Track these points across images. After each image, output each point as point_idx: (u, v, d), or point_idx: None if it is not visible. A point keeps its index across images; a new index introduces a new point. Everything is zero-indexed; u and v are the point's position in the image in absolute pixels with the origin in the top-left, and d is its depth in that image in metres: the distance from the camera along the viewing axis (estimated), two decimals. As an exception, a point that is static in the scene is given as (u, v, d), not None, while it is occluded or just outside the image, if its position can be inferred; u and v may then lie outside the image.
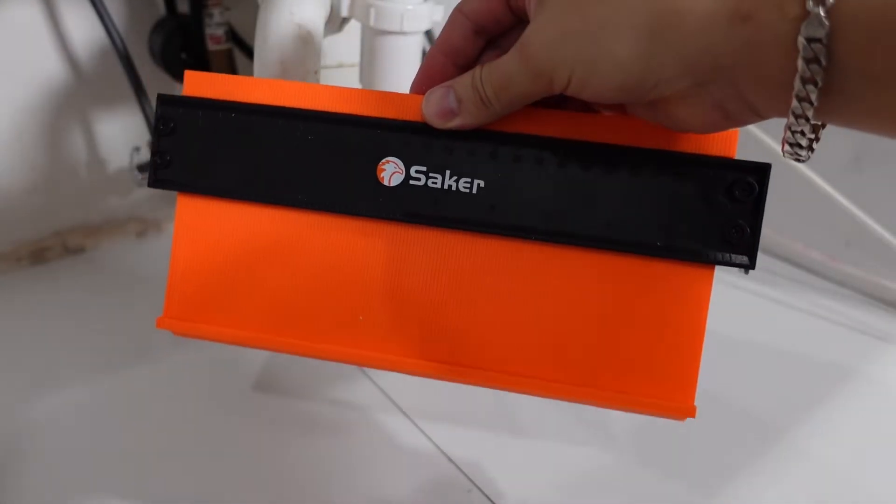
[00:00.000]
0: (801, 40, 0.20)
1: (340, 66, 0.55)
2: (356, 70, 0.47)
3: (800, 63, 0.20)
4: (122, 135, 0.64)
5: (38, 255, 0.64)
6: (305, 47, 0.40)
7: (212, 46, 0.54)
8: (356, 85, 0.47)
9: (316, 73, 0.41)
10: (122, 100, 0.61)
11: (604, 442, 0.44)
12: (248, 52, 0.61)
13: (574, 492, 0.40)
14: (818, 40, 0.20)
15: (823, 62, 0.20)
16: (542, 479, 0.41)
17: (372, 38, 0.44)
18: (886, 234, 0.56)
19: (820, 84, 0.21)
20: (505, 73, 0.27)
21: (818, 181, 0.58)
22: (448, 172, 0.28)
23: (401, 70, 0.45)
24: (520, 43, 0.26)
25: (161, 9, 0.58)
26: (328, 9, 0.43)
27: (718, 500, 0.40)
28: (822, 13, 0.20)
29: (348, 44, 0.52)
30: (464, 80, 0.28)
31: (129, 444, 0.43)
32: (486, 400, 0.46)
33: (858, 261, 0.61)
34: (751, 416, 0.47)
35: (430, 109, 0.28)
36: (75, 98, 0.60)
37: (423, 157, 0.28)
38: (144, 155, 0.55)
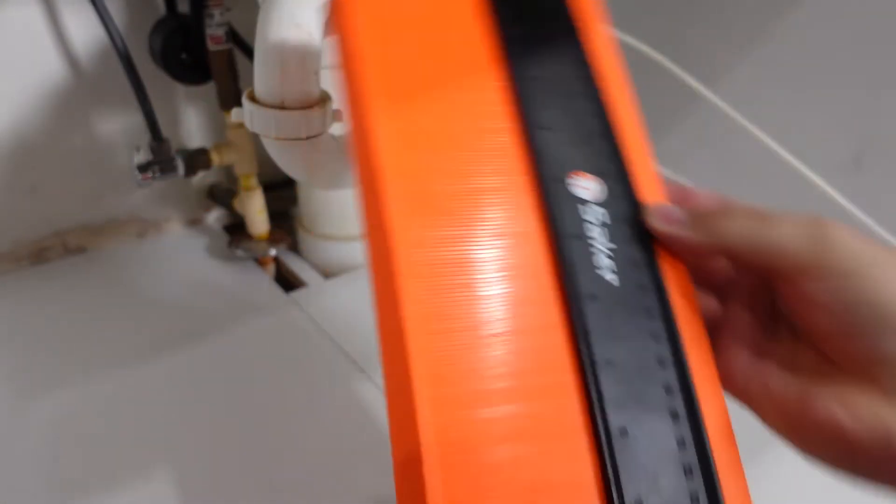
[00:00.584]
0: None
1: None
2: (356, 70, 0.46)
3: None
4: (122, 135, 0.64)
5: (38, 255, 0.64)
6: (306, 47, 0.40)
7: (212, 47, 0.54)
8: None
9: (316, 73, 0.41)
10: (122, 100, 0.61)
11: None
12: (249, 53, 0.61)
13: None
14: None
15: None
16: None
17: (372, 39, 0.43)
18: (887, 235, 0.56)
19: None
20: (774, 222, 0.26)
21: (817, 181, 0.58)
22: (607, 241, 0.26)
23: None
24: (818, 225, 0.25)
25: (161, 9, 0.58)
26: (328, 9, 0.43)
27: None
28: None
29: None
30: None
31: (129, 443, 0.43)
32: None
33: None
34: (750, 416, 0.47)
35: (657, 207, 0.27)
36: (75, 98, 0.60)
37: (612, 213, 0.26)
38: (145, 155, 0.55)
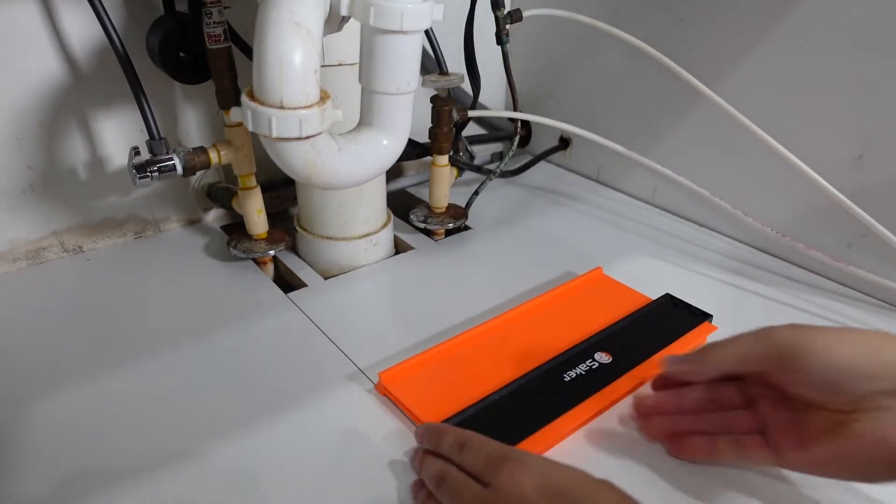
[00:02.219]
0: None
1: (340, 65, 0.55)
2: (356, 69, 0.46)
3: None
4: (121, 134, 0.63)
5: (36, 254, 0.64)
6: (305, 46, 0.39)
7: (210, 45, 0.54)
8: (355, 83, 0.47)
9: (315, 72, 0.41)
10: (120, 99, 0.61)
11: (603, 444, 0.44)
12: (247, 52, 0.61)
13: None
14: None
15: None
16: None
17: (371, 37, 0.43)
18: (889, 234, 0.56)
19: None
20: (735, 339, 0.39)
21: (820, 180, 0.57)
22: (583, 371, 0.49)
23: (400, 70, 0.44)
24: (762, 330, 0.37)
25: (159, 7, 0.58)
26: (327, 7, 0.42)
27: (718, 502, 0.40)
28: None
29: (348, 43, 0.52)
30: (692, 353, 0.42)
31: (127, 443, 0.43)
32: (487, 401, 0.46)
33: (861, 261, 0.61)
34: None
35: (671, 357, 0.43)
36: (73, 97, 0.60)
37: (604, 368, 0.50)
38: (143, 155, 0.55)
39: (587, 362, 0.49)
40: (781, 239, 0.65)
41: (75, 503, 0.39)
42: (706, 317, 0.55)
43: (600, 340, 0.52)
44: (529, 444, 0.42)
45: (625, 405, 0.46)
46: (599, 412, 0.46)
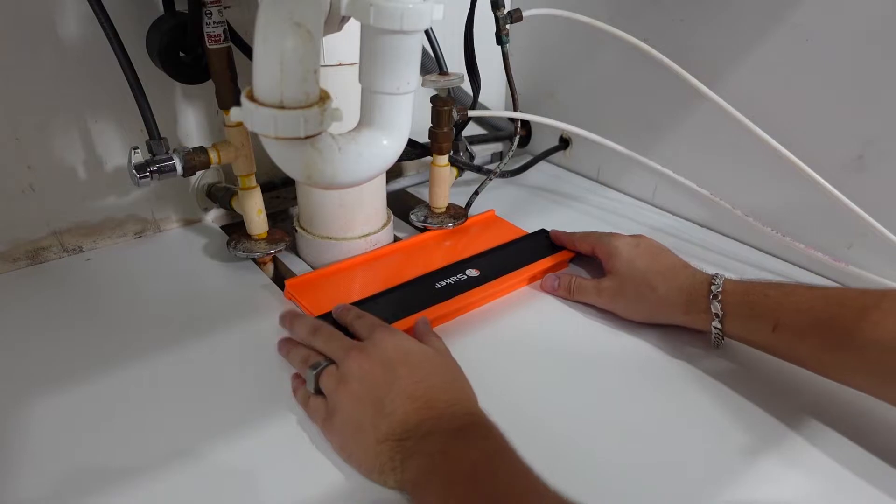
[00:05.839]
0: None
1: (340, 65, 0.55)
2: (356, 69, 0.46)
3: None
4: (120, 134, 0.63)
5: (36, 254, 0.64)
6: (305, 46, 0.39)
7: (210, 45, 0.54)
8: (355, 83, 0.47)
9: (315, 72, 0.41)
10: (119, 99, 0.61)
11: (602, 445, 0.44)
12: (247, 52, 0.60)
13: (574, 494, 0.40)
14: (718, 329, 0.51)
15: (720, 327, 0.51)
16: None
17: (371, 37, 0.43)
18: (889, 234, 0.56)
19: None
20: (588, 291, 0.58)
21: (820, 180, 0.57)
22: (452, 282, 0.61)
23: (400, 69, 0.44)
24: (599, 287, 0.57)
25: (159, 7, 0.58)
26: (327, 7, 0.42)
27: (715, 501, 0.40)
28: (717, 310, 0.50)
29: (348, 43, 0.52)
30: (567, 279, 0.59)
31: (127, 443, 0.43)
32: (487, 403, 0.45)
33: (861, 261, 0.61)
34: (750, 415, 0.47)
35: (547, 283, 0.61)
36: (73, 97, 0.60)
37: (470, 278, 0.61)
38: (143, 155, 0.55)
39: (457, 275, 0.61)
40: (781, 239, 0.65)
41: (75, 503, 0.39)
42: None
43: (473, 260, 0.64)
44: (396, 327, 0.51)
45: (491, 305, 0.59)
46: (459, 310, 0.57)
